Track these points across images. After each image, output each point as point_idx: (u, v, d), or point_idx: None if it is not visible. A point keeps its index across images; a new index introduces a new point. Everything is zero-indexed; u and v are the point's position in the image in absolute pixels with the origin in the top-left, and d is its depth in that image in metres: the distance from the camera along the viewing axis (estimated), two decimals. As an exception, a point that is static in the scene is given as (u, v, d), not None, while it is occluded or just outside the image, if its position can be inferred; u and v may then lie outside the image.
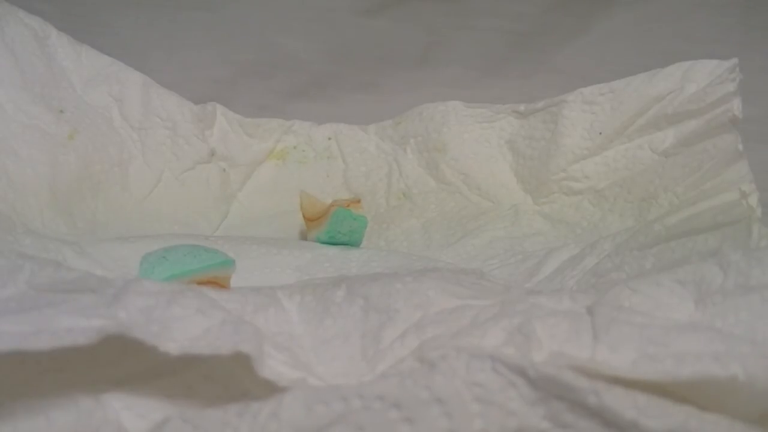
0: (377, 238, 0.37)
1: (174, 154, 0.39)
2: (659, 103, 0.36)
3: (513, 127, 0.40)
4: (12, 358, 0.16)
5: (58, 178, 0.35)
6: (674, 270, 0.22)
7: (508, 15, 0.49)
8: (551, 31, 0.49)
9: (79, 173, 0.36)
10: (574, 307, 0.20)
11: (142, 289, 0.19)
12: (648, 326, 0.18)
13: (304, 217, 0.36)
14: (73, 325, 0.16)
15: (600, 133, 0.37)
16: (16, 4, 0.38)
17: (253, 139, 0.42)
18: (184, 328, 0.18)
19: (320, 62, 0.51)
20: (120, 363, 0.18)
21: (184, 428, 0.16)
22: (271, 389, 0.17)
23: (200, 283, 0.25)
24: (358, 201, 0.35)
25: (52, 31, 0.39)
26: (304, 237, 0.37)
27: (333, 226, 0.34)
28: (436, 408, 0.16)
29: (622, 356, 0.17)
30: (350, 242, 0.34)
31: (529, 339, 0.18)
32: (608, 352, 0.17)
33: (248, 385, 0.18)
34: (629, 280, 0.24)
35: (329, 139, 0.42)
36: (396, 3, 0.50)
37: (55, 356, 0.17)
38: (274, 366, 0.18)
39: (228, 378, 0.18)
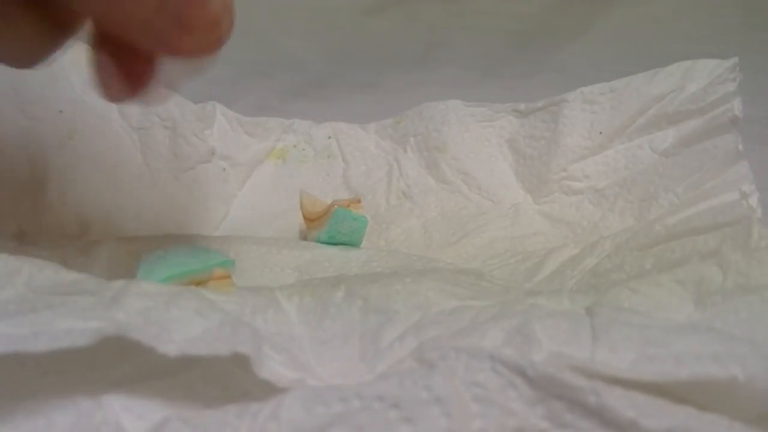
0: (377, 238, 0.37)
1: (174, 154, 0.39)
2: (659, 102, 0.36)
3: (513, 126, 0.40)
4: (12, 360, 0.16)
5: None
6: (674, 270, 0.22)
7: (508, 15, 0.49)
8: (551, 31, 0.49)
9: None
10: (574, 307, 0.20)
11: (141, 290, 0.19)
12: (647, 327, 0.18)
13: (304, 216, 0.36)
14: (72, 327, 0.17)
15: (600, 133, 0.37)
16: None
17: (253, 139, 0.42)
18: (183, 329, 0.18)
19: (320, 62, 0.51)
20: (119, 364, 0.18)
21: (184, 429, 0.16)
22: (270, 390, 0.17)
23: (199, 283, 0.25)
24: (359, 201, 0.35)
25: (51, 31, 0.39)
26: (304, 237, 0.37)
27: (333, 226, 0.34)
28: (435, 408, 0.16)
29: (621, 357, 0.17)
30: (350, 242, 0.34)
31: (529, 339, 0.18)
32: (608, 352, 0.17)
33: (247, 386, 0.18)
34: (629, 280, 0.24)
35: (329, 137, 0.42)
36: (396, 3, 0.50)
37: (55, 358, 0.17)
38: (273, 367, 0.18)
39: (227, 379, 0.18)
